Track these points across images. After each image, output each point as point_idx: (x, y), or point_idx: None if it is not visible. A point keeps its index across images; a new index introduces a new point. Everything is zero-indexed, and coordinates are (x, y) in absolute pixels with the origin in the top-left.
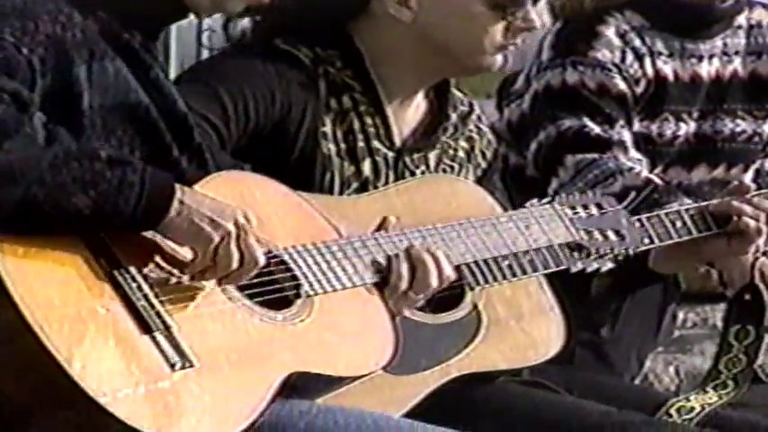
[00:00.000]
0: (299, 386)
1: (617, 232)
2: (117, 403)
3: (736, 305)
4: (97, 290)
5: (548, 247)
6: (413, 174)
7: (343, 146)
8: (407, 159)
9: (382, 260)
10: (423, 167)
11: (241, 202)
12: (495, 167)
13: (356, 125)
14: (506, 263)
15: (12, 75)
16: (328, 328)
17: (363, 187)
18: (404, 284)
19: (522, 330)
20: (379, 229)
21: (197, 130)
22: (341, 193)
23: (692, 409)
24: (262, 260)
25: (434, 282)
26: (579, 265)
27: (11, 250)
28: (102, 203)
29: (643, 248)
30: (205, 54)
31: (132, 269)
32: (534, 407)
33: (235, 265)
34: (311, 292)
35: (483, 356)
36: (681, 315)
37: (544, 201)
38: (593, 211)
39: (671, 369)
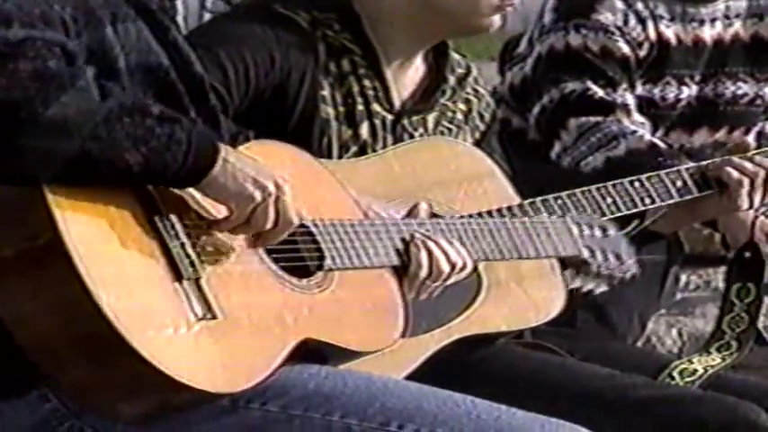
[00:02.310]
0: (311, 355)
1: (617, 256)
2: (143, 343)
3: (736, 263)
4: (138, 232)
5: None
6: (411, 137)
7: (341, 109)
8: (406, 122)
9: (401, 246)
10: (421, 130)
11: (280, 170)
12: (493, 130)
13: (355, 88)
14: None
15: (55, 28)
16: (344, 303)
17: (362, 150)
18: (424, 272)
19: (524, 292)
20: (409, 214)
21: (212, 93)
22: (339, 157)
23: (695, 371)
24: (296, 221)
25: (446, 268)
26: (577, 282)
27: (66, 196)
28: (152, 160)
29: (643, 209)
30: (206, 19)
31: (172, 217)
32: (536, 369)
33: (270, 225)
34: (333, 266)
35: (484, 318)
36: (683, 278)
37: (558, 215)
38: (597, 232)
39: (673, 331)
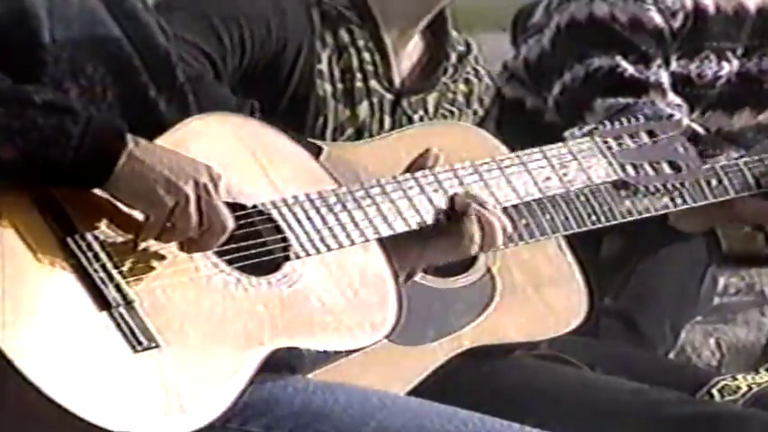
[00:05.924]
0: (285, 361)
1: (671, 163)
2: (70, 394)
3: None
4: (47, 261)
5: (586, 189)
6: (410, 120)
7: (339, 86)
8: (405, 103)
9: (428, 216)
10: (421, 112)
11: (224, 148)
12: (492, 114)
13: (354, 62)
14: (524, 222)
15: None
16: (320, 294)
17: (359, 132)
18: (476, 245)
19: (541, 298)
20: (412, 164)
21: (181, 67)
22: (334, 138)
23: (738, 388)
24: (230, 223)
25: (500, 239)
26: (627, 204)
27: None
28: (31, 154)
29: (674, 210)
30: None
31: (88, 235)
32: (554, 384)
33: (192, 230)
34: (302, 254)
35: (497, 327)
36: (722, 280)
37: (584, 130)
38: (644, 140)
39: (711, 341)
